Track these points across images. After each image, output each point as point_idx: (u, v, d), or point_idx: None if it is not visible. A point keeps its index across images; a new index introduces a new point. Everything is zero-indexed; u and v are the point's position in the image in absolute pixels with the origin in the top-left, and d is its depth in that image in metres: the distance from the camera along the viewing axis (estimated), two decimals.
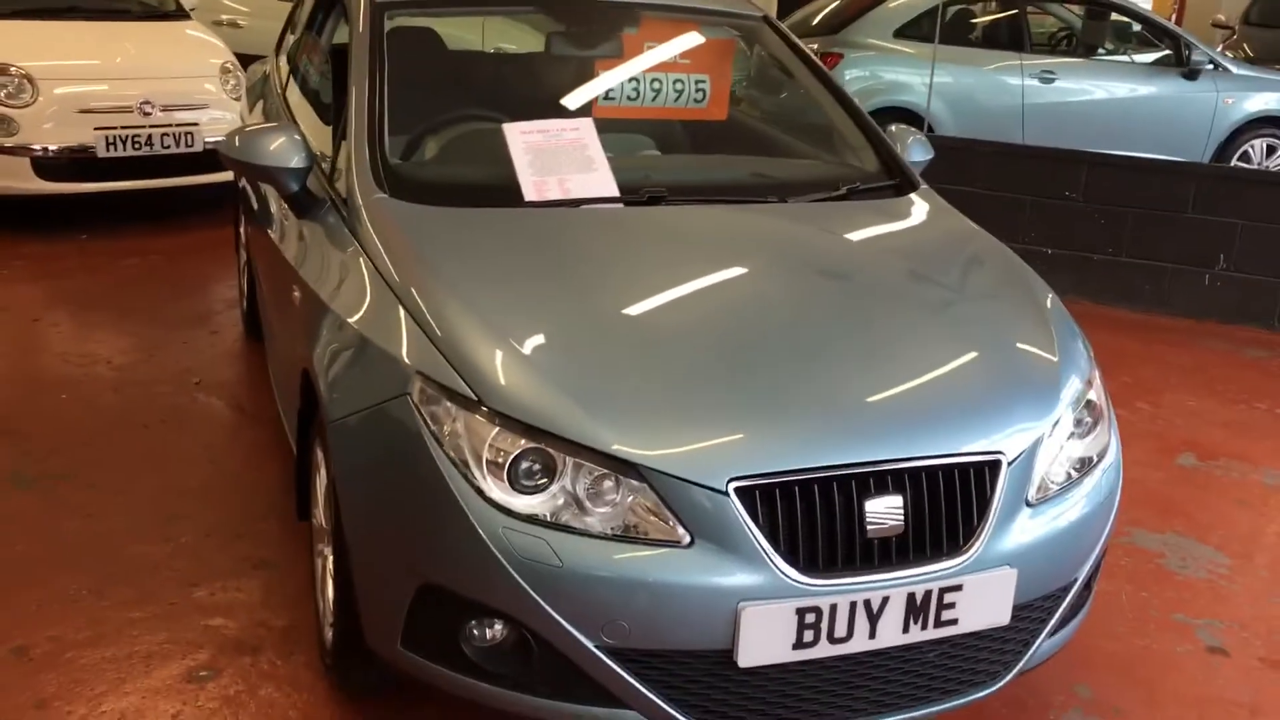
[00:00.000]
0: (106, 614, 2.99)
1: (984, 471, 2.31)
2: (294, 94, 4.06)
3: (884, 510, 2.21)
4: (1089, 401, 2.61)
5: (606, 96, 3.59)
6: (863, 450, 2.23)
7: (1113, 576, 3.45)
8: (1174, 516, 3.88)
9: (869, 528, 2.20)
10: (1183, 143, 8.08)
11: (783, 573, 2.15)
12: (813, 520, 2.18)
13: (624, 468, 2.16)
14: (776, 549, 2.16)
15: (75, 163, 6.33)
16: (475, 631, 2.25)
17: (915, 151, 3.53)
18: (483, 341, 2.32)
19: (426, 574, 2.25)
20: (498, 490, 2.18)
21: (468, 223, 2.80)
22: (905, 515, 2.23)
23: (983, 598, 2.30)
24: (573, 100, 3.50)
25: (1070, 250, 6.23)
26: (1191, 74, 8.22)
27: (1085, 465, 2.54)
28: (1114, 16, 8.70)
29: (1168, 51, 8.40)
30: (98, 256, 6.14)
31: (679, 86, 3.64)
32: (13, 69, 6.21)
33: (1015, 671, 2.47)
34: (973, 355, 2.53)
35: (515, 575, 2.14)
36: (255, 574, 3.20)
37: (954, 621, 2.29)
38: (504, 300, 2.47)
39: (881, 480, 2.22)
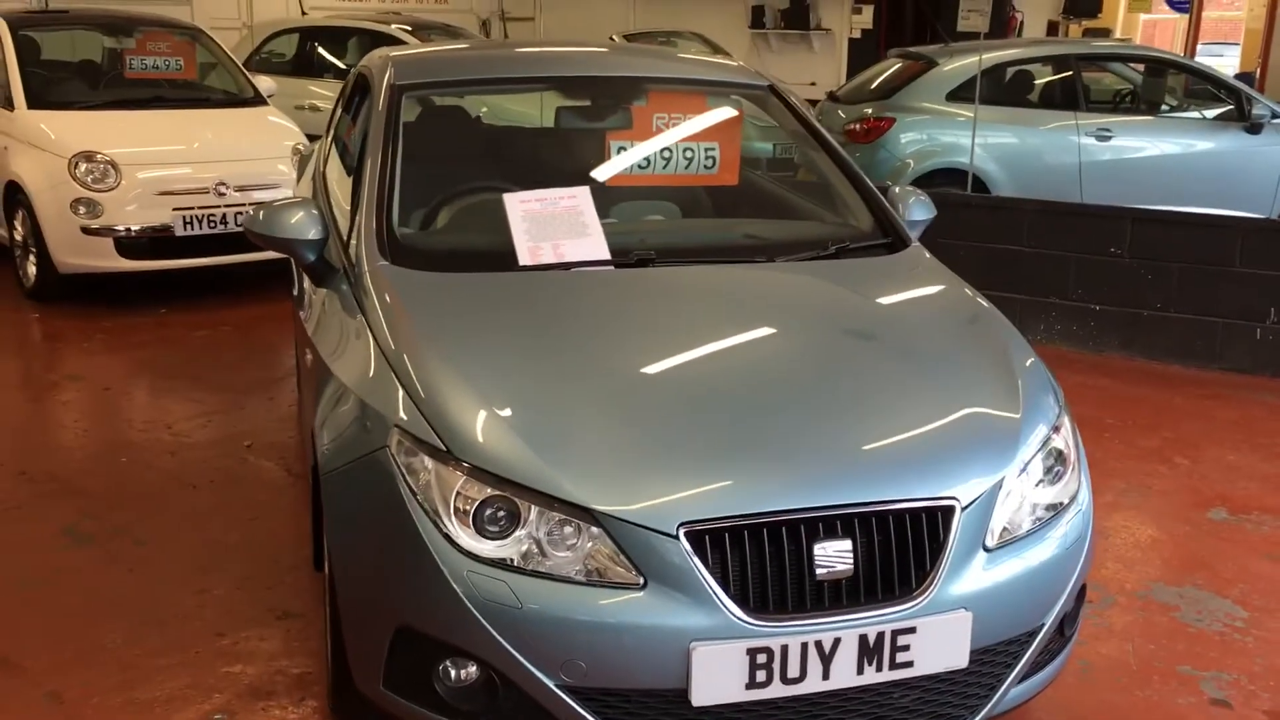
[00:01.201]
0: (136, 661, 3.18)
1: (937, 517, 2.38)
2: (332, 169, 4.31)
3: (832, 554, 2.29)
4: (1057, 450, 2.66)
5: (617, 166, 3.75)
6: (811, 496, 2.32)
7: (1123, 628, 3.44)
8: (1196, 570, 3.85)
9: (817, 571, 2.28)
10: (1248, 197, 7.96)
11: (732, 614, 2.24)
12: (762, 563, 2.27)
13: (581, 514, 2.28)
14: (726, 591, 2.25)
15: (155, 242, 6.72)
16: (447, 672, 2.38)
17: (916, 211, 3.61)
18: (459, 399, 2.47)
19: (402, 616, 2.39)
20: (464, 536, 2.32)
21: (463, 287, 2.98)
22: (855, 559, 2.31)
23: (938, 640, 2.35)
24: (583, 171, 3.67)
25: (1118, 307, 6.20)
26: (1254, 127, 8.13)
27: (1053, 512, 2.59)
28: (1171, 73, 8.68)
29: (1229, 106, 8.34)
30: (173, 329, 6.48)
31: (689, 154, 3.77)
32: (99, 156, 6.63)
33: (982, 715, 2.50)
34: (931, 406, 2.60)
35: (479, 616, 2.27)
36: (278, 624, 3.37)
37: (909, 664, 2.35)
38: (484, 360, 2.63)
39: (830, 525, 2.31)
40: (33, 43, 7.68)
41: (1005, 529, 2.49)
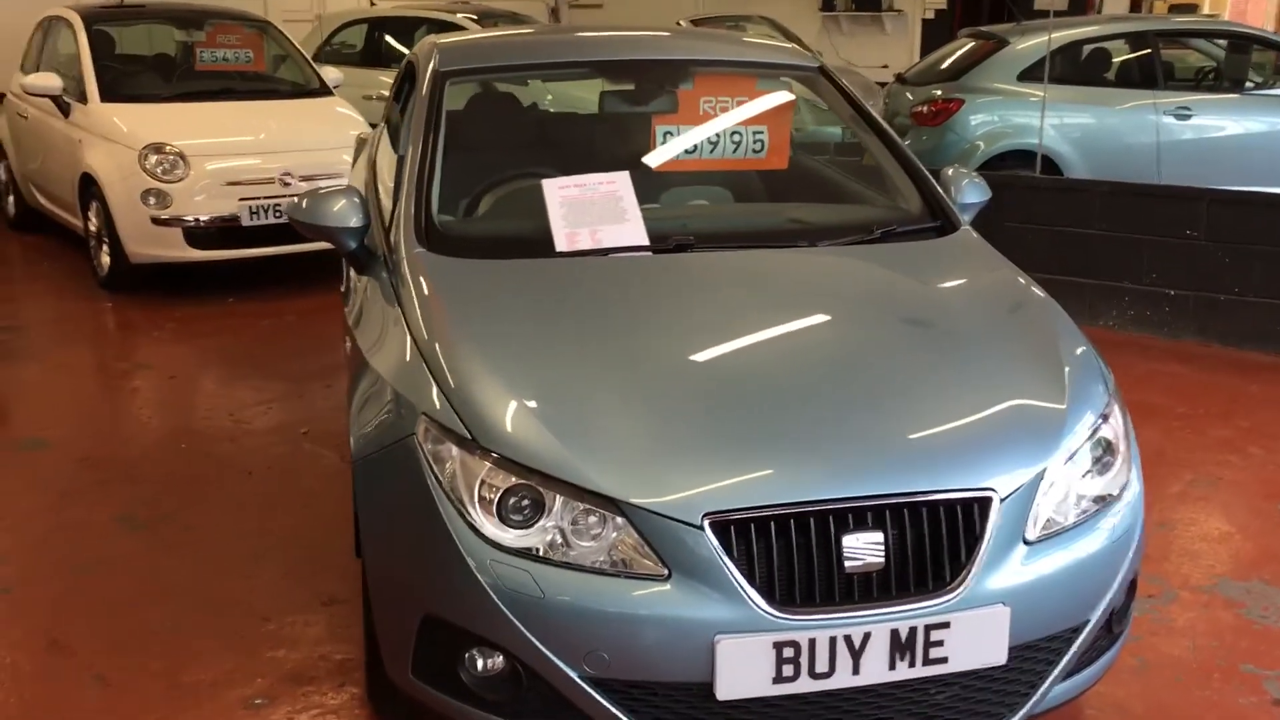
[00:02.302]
0: (181, 645, 3.22)
1: (973, 509, 2.30)
2: (382, 156, 4.32)
3: (862, 546, 2.23)
4: (1106, 441, 2.56)
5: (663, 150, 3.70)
6: (840, 486, 2.26)
7: (1184, 625, 3.32)
8: (1265, 564, 3.70)
9: (846, 563, 2.22)
10: None
11: (758, 607, 2.19)
12: (790, 555, 2.22)
13: (606, 504, 2.25)
14: (752, 583, 2.20)
15: (222, 231, 6.81)
16: (473, 661, 2.36)
17: (969, 193, 3.50)
18: (486, 388, 2.45)
19: (428, 605, 2.38)
20: (489, 525, 2.30)
21: (499, 274, 2.95)
22: (887, 551, 2.24)
23: (973, 636, 2.28)
24: (628, 156, 3.63)
25: (1194, 291, 6.00)
26: None
27: (1100, 503, 2.50)
28: (1257, 49, 8.38)
29: None
30: (239, 318, 6.57)
31: (736, 138, 3.71)
32: (168, 148, 6.73)
33: (1023, 713, 2.42)
34: (971, 394, 2.52)
35: (501, 605, 2.25)
36: (324, 610, 3.39)
37: (944, 660, 2.27)
38: (514, 348, 2.60)
39: (860, 516, 2.24)
40: (108, 37, 7.82)
41: (1048, 521, 2.40)
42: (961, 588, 2.27)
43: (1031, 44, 8.06)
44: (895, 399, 2.50)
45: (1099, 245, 6.25)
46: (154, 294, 6.90)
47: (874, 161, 3.68)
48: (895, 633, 2.23)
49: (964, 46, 8.76)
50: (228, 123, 7.24)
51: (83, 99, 7.22)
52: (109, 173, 6.80)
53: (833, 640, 2.21)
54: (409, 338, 2.70)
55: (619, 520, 2.24)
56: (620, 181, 3.20)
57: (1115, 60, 8.44)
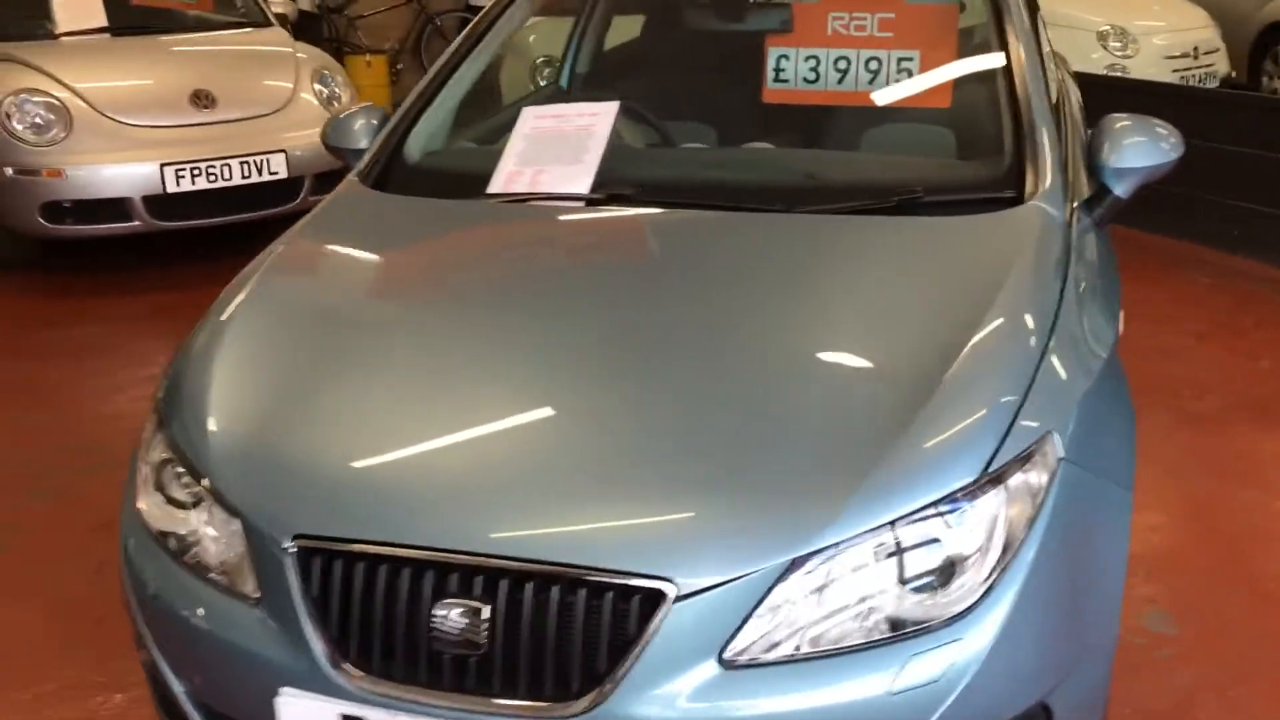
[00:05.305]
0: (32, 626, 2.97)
1: (632, 602, 1.62)
2: None
3: (459, 618, 1.66)
4: (946, 547, 1.68)
5: (778, 79, 3.02)
6: (447, 535, 1.70)
7: None
8: None
9: (434, 636, 1.67)
10: None
11: (321, 663, 1.72)
12: (378, 610, 1.71)
13: (225, 501, 1.89)
14: (325, 633, 1.73)
15: None
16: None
17: (1130, 155, 2.45)
18: (210, 345, 2.17)
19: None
20: (143, 498, 2.04)
21: (397, 216, 2.64)
22: (492, 632, 1.65)
23: None
24: (713, 86, 3.03)
25: None
26: None
27: (918, 630, 1.66)
28: None
29: None
30: None
31: (873, 65, 2.95)
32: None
33: None
34: (723, 455, 1.76)
35: (132, 594, 2.01)
36: None
37: None
38: (283, 314, 2.28)
39: (466, 579, 1.67)
40: None
41: (788, 638, 1.64)
42: (593, 704, 1.62)
43: None
44: (627, 450, 1.81)
45: None
46: None
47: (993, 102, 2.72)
48: None
49: None
50: None
51: None
52: None
53: None
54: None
55: (235, 525, 1.87)
56: (603, 115, 2.66)
57: None
